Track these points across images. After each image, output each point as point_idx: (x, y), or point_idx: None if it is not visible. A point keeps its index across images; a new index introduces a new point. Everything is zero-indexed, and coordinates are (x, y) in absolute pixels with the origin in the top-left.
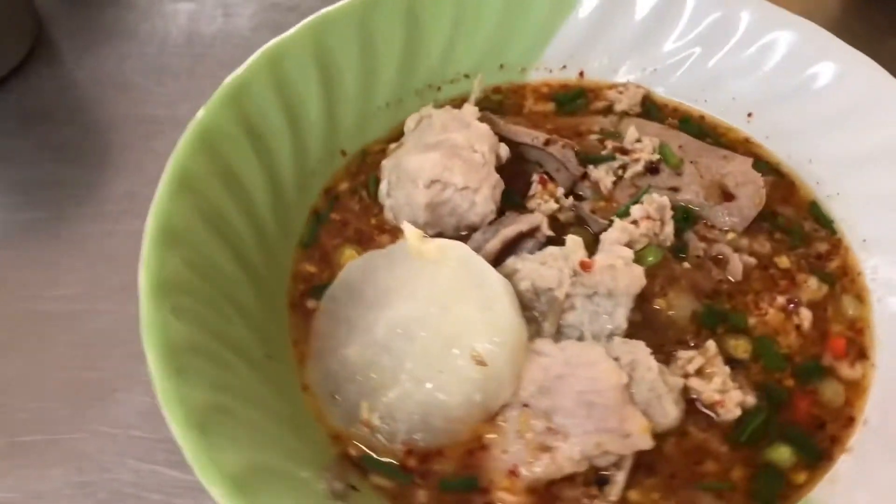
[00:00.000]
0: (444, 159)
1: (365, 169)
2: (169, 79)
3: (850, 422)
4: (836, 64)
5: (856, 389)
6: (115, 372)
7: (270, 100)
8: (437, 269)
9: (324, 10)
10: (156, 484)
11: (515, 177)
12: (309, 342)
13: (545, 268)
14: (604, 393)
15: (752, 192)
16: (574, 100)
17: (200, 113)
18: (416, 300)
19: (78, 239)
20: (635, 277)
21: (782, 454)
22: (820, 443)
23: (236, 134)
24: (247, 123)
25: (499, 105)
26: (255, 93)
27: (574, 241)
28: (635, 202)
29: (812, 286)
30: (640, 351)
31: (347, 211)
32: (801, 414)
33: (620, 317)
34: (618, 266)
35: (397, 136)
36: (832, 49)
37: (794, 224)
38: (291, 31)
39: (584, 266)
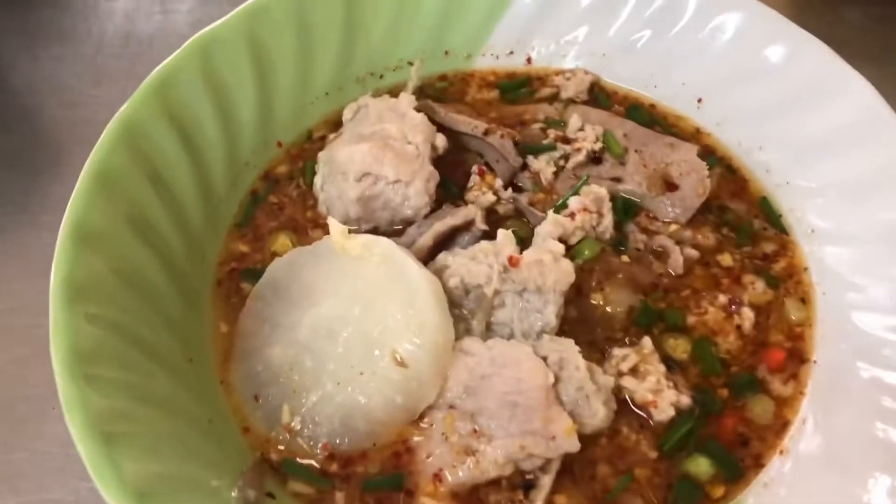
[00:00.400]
0: (374, 151)
1: (305, 154)
2: (106, 80)
3: (784, 426)
4: (787, 46)
5: (785, 406)
6: (53, 388)
7: (200, 92)
8: (361, 266)
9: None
10: (96, 502)
11: (455, 167)
12: (234, 342)
13: (475, 263)
14: (528, 393)
15: (695, 181)
16: (519, 87)
17: (123, 107)
18: (340, 298)
19: (16, 250)
20: (564, 273)
21: (700, 466)
22: (741, 460)
23: (162, 128)
24: (174, 116)
25: (443, 92)
26: (183, 84)
27: (504, 236)
28: (573, 194)
29: (758, 289)
30: (568, 349)
31: (285, 196)
32: (727, 430)
33: (550, 314)
34: (546, 261)
35: (338, 125)
36: (783, 31)
37: (743, 221)
38: (222, 20)
39: (512, 262)
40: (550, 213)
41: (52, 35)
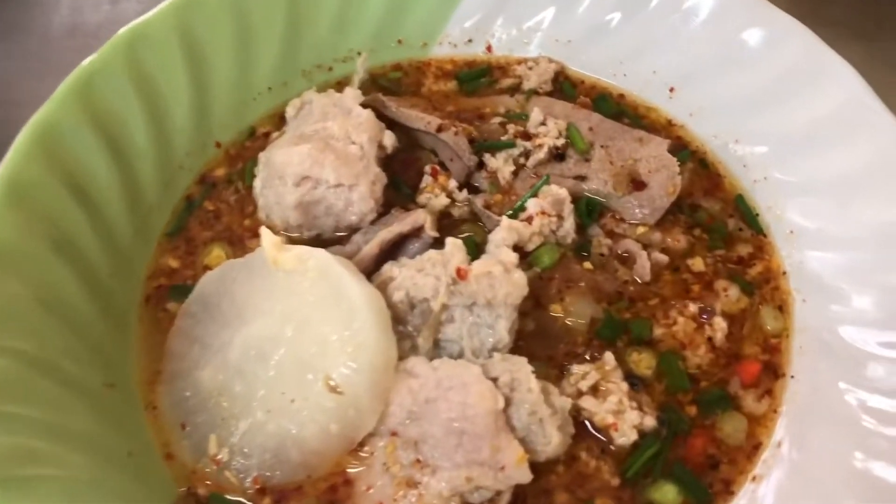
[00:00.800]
0: (314, 153)
1: (245, 154)
2: (51, 76)
3: (756, 448)
4: (765, 30)
5: (758, 425)
6: None
7: (126, 91)
8: (296, 281)
9: None
10: None
11: (408, 166)
12: (163, 363)
13: (422, 275)
14: (475, 419)
15: (665, 179)
16: (478, 77)
17: (39, 112)
18: (272, 317)
19: None
20: (516, 286)
21: (667, 494)
22: (710, 486)
23: (84, 132)
24: (97, 119)
25: (397, 84)
26: (108, 84)
27: (453, 245)
28: (531, 195)
29: (732, 296)
30: (521, 369)
31: (221, 201)
32: (695, 452)
33: (502, 329)
34: (496, 273)
35: (284, 121)
36: (761, 13)
37: (717, 221)
38: (151, 12)
39: (460, 274)
40: (504, 218)
41: None
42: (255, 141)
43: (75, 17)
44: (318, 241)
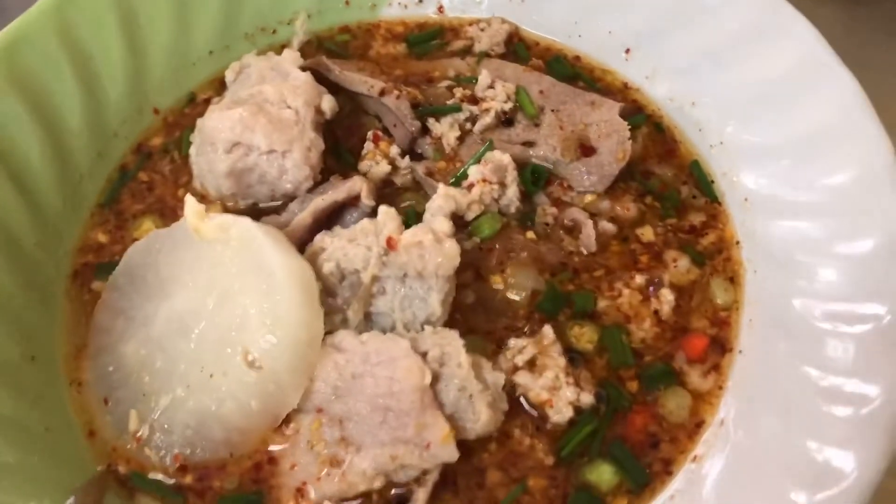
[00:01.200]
0: (245, 118)
1: (184, 122)
2: None
3: (699, 426)
4: None
5: (703, 402)
6: None
7: (54, 55)
8: (219, 251)
9: None
10: None
11: (352, 132)
12: (88, 336)
13: (353, 246)
14: (401, 395)
15: (614, 144)
16: (429, 40)
17: None
18: (194, 289)
19: None
20: (447, 257)
21: (602, 474)
22: (649, 466)
23: (8, 98)
24: (22, 85)
25: (344, 47)
26: (34, 47)
27: (385, 214)
28: (474, 162)
29: (681, 267)
30: (452, 342)
31: (156, 172)
32: (635, 429)
33: (435, 302)
34: (426, 243)
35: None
36: None
37: (670, 188)
38: None
39: (390, 243)
40: (441, 185)
41: None
42: (194, 108)
43: None
44: (254, 211)
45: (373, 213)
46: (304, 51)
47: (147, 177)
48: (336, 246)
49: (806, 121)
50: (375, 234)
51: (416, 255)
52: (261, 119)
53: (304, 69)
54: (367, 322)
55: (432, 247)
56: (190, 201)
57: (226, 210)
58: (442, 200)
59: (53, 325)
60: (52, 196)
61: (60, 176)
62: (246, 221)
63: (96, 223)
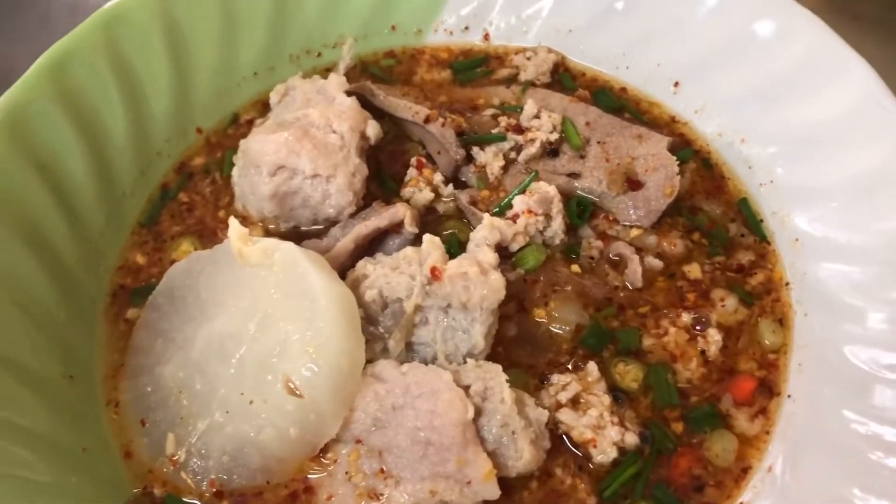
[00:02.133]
0: (291, 142)
1: (227, 142)
2: None
3: (745, 472)
4: (777, 21)
5: (749, 447)
6: None
7: (102, 73)
8: (262, 276)
9: None
10: None
11: (395, 159)
12: (126, 356)
13: (396, 274)
14: (442, 430)
15: (662, 179)
16: (474, 67)
17: (8, 92)
18: (236, 313)
19: None
20: (492, 289)
21: None
22: None
23: (54, 114)
24: (69, 101)
25: (389, 71)
26: (82, 65)
27: (430, 242)
28: (518, 192)
29: (729, 307)
30: (495, 377)
31: (197, 192)
32: (679, 472)
33: (478, 334)
34: (471, 274)
35: (269, 108)
36: (772, 2)
37: (718, 226)
38: None
39: (435, 273)
40: (486, 215)
41: None
42: (238, 128)
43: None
44: (296, 234)
45: (415, 240)
46: (349, 74)
47: (188, 197)
48: (379, 273)
49: (860, 163)
50: (419, 263)
51: (461, 287)
52: (306, 143)
53: (350, 94)
54: (408, 352)
55: (477, 278)
56: (234, 224)
57: (267, 232)
58: (487, 231)
59: (92, 344)
60: (95, 213)
61: (103, 193)
62: (290, 246)
63: (136, 243)
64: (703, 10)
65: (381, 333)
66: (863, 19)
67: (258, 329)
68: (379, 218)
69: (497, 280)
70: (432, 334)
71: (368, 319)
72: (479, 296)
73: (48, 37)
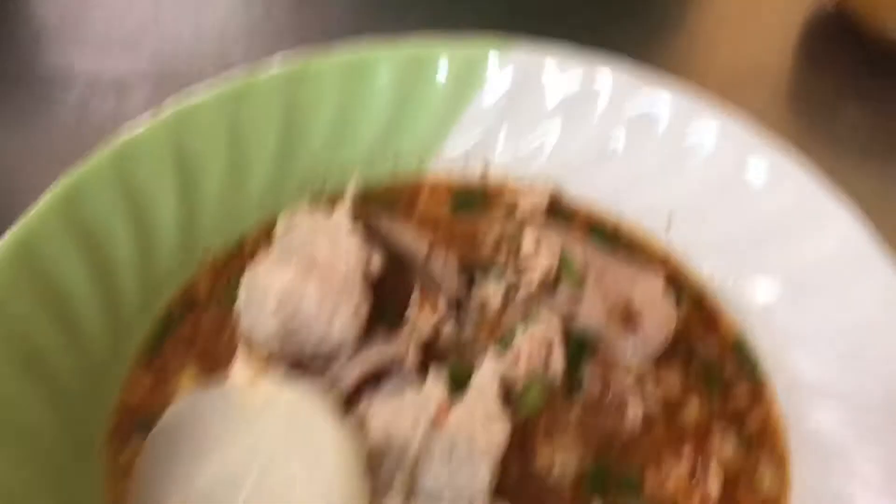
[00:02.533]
0: (296, 278)
1: (231, 269)
2: (54, 167)
3: None
4: (768, 165)
5: None
6: None
7: (114, 204)
8: (267, 418)
9: (187, 103)
10: None
11: (395, 289)
12: (126, 496)
13: (399, 416)
14: None
15: (658, 319)
16: (472, 201)
17: (22, 222)
18: (239, 454)
19: None
20: (495, 438)
21: None
22: None
23: (66, 246)
24: (82, 232)
25: (389, 202)
26: (94, 196)
27: (433, 384)
28: (521, 333)
29: (727, 450)
30: None
31: (201, 321)
32: None
33: (482, 480)
34: (476, 421)
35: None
36: (765, 147)
37: (713, 367)
38: (145, 125)
39: (438, 419)
40: (488, 359)
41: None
42: (242, 254)
43: (81, 111)
44: (298, 366)
45: (417, 374)
46: (353, 205)
47: (192, 325)
48: (381, 417)
49: (850, 309)
50: (422, 407)
51: (465, 434)
52: (311, 281)
53: (354, 222)
54: (410, 499)
55: (481, 426)
56: (239, 367)
57: (271, 363)
58: (490, 375)
59: (92, 482)
60: (101, 345)
61: (111, 324)
62: (296, 391)
63: (138, 376)
64: (697, 158)
65: (383, 478)
66: (840, 144)
67: (261, 474)
68: (381, 353)
69: (501, 429)
70: (435, 480)
71: (370, 464)
72: (484, 442)
73: (52, 148)
